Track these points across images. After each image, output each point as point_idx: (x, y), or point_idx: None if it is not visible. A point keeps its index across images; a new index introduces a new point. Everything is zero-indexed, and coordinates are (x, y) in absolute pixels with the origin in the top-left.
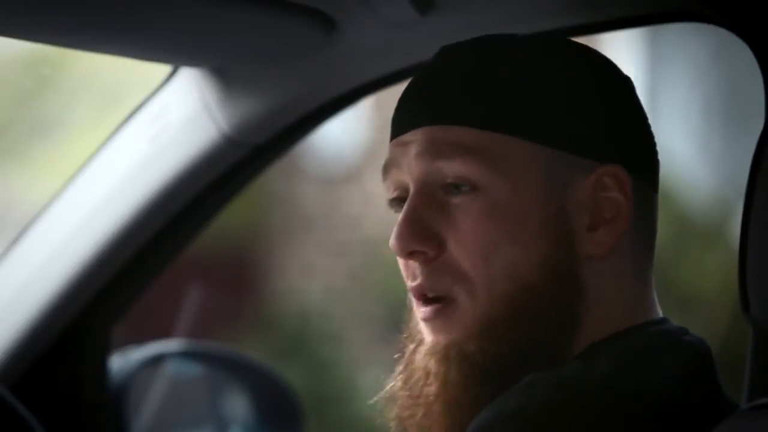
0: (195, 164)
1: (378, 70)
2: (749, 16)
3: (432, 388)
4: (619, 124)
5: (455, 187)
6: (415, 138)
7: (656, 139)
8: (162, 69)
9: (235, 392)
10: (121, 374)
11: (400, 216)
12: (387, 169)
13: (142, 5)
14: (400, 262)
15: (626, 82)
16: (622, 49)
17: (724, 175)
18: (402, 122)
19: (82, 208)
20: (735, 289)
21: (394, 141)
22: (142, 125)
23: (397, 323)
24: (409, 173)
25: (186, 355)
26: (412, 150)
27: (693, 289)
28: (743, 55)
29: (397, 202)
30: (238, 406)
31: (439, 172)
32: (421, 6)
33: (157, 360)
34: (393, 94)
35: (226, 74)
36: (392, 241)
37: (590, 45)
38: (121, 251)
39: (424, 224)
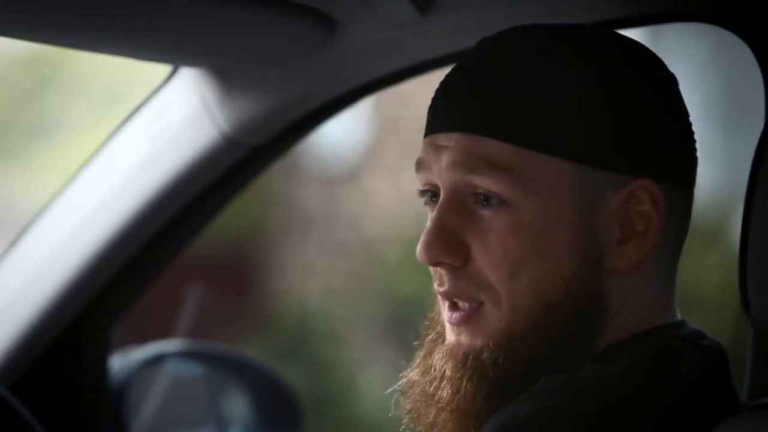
0: (195, 164)
1: (378, 70)
2: (749, 16)
3: (444, 393)
4: (653, 134)
5: (485, 198)
6: (449, 144)
7: None
8: (162, 69)
9: (235, 392)
10: (121, 374)
11: (428, 223)
12: (419, 167)
13: (142, 5)
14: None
15: (668, 83)
16: None
17: (724, 175)
18: (437, 119)
19: (82, 208)
20: (735, 289)
21: (428, 138)
22: (142, 125)
23: (397, 323)
24: (440, 179)
25: (186, 355)
26: (445, 158)
27: (693, 289)
28: (743, 55)
29: (427, 194)
30: (238, 406)
31: (470, 183)
32: (421, 6)
33: (157, 360)
34: (393, 94)
35: (226, 74)
36: (419, 249)
37: None
38: (121, 251)
39: (451, 234)
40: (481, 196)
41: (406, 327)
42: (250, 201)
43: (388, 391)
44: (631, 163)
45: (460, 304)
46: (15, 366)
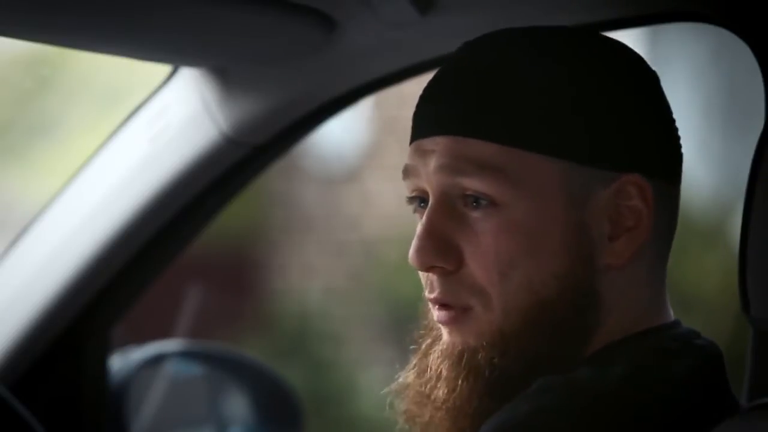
0: (195, 164)
1: (378, 70)
2: (749, 16)
3: (440, 392)
4: (639, 130)
5: (474, 200)
6: (436, 148)
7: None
8: (162, 69)
9: (235, 392)
10: (121, 374)
11: (418, 228)
12: (407, 173)
13: (143, 5)
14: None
15: (651, 80)
16: None
17: (724, 175)
18: (422, 125)
19: (82, 208)
20: (735, 289)
21: (414, 144)
22: (142, 125)
23: (397, 323)
24: (428, 184)
25: (186, 355)
26: (432, 162)
27: (693, 289)
28: (743, 55)
29: (416, 200)
30: (238, 406)
31: (458, 185)
32: (421, 6)
33: (157, 360)
34: (393, 94)
35: (226, 74)
36: (411, 254)
37: None
38: (121, 251)
39: (443, 238)
40: (471, 198)
41: (406, 327)
42: (250, 201)
43: (384, 391)
44: (619, 159)
45: (449, 304)
46: (15, 366)
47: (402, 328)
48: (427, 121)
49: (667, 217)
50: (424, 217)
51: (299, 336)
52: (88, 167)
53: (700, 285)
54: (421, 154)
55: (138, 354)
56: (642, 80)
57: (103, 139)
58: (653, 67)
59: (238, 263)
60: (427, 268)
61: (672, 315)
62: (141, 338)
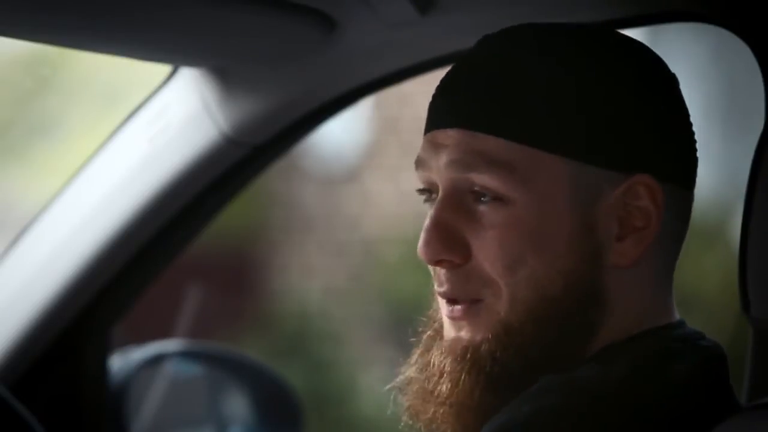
0: (195, 164)
1: (378, 70)
2: (749, 16)
3: (444, 388)
4: (653, 133)
5: (483, 195)
6: (447, 142)
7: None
8: (162, 69)
9: (235, 392)
10: (121, 374)
11: (426, 222)
12: (419, 165)
13: (142, 5)
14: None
15: (669, 83)
16: None
17: (724, 175)
18: (436, 116)
19: (82, 208)
20: (735, 289)
21: (428, 136)
22: (142, 125)
23: (397, 323)
24: (438, 177)
25: (186, 355)
26: (444, 156)
27: (693, 289)
28: (743, 55)
29: (426, 192)
30: (238, 406)
31: (468, 180)
32: (421, 6)
33: (157, 360)
34: (393, 94)
35: (226, 74)
36: (420, 248)
37: None
38: (121, 251)
39: (451, 232)
40: (480, 194)
41: (406, 327)
42: (250, 201)
43: (386, 388)
44: (629, 160)
45: (459, 299)
46: (15, 366)
47: (402, 328)
48: (441, 113)
49: (678, 221)
50: (433, 211)
51: (299, 336)
52: (88, 167)
53: (700, 285)
54: (434, 147)
55: (138, 354)
56: (658, 82)
57: (103, 139)
58: None
59: (238, 263)
60: (436, 262)
61: (677, 315)
62: (141, 338)
